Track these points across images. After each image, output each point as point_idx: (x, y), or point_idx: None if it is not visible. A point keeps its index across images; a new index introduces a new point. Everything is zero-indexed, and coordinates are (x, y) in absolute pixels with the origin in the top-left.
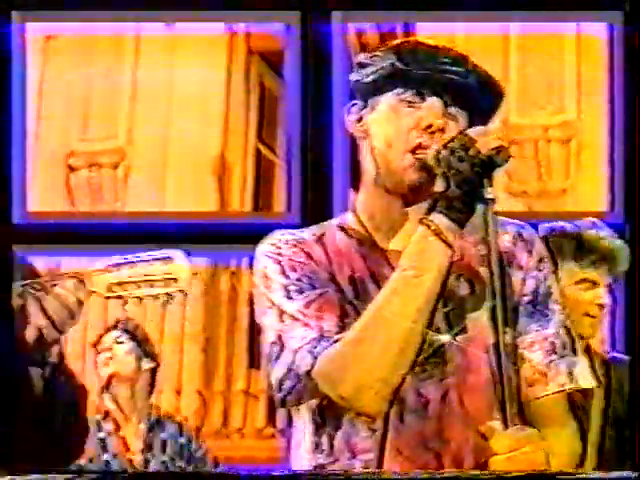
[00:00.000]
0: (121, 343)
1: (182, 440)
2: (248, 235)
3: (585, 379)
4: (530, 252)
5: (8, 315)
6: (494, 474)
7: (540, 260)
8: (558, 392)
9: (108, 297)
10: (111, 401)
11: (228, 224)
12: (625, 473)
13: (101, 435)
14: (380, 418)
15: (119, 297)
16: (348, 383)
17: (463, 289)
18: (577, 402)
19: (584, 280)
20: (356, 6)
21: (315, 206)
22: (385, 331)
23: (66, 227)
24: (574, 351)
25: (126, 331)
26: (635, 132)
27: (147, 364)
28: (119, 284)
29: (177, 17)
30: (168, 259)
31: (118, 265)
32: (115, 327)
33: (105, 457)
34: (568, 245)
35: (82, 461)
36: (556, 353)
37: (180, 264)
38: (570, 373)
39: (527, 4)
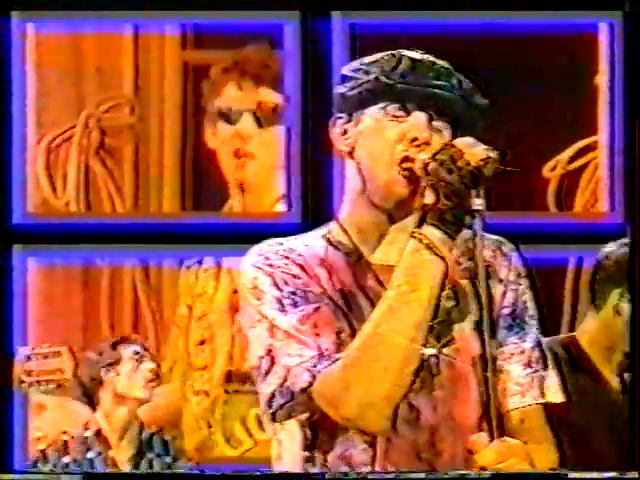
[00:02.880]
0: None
1: (168, 459)
2: (248, 235)
3: (553, 394)
4: (509, 266)
5: (7, 314)
6: (492, 474)
7: (518, 275)
8: (532, 405)
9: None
10: (104, 420)
11: (228, 224)
12: (625, 473)
13: (90, 455)
14: (383, 434)
15: (30, 384)
16: (351, 404)
17: (448, 302)
18: (555, 415)
19: None
20: (356, 6)
21: (315, 206)
22: (385, 349)
23: (66, 227)
24: (545, 366)
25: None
26: (635, 132)
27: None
28: (26, 375)
29: (175, 17)
30: (58, 353)
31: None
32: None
33: None
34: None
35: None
36: (531, 367)
37: (65, 357)
38: (541, 388)
39: (525, 4)
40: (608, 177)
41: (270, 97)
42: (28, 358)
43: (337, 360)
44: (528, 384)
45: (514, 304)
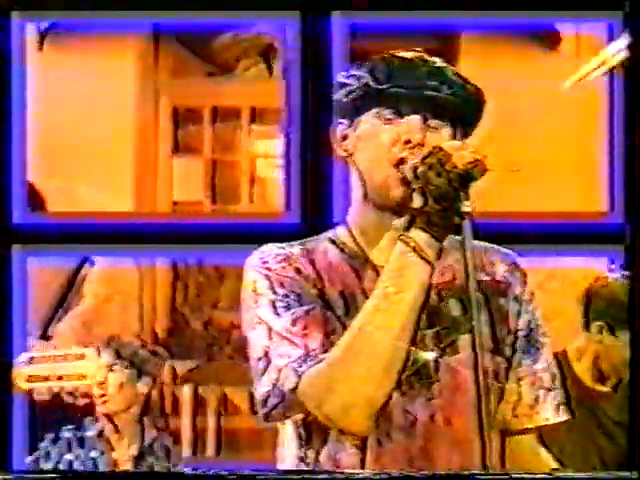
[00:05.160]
0: (113, 371)
1: (168, 464)
2: (248, 235)
3: (561, 413)
4: (525, 283)
5: (7, 314)
6: (493, 474)
7: (532, 292)
8: (542, 426)
9: (25, 389)
10: (107, 420)
11: (229, 224)
12: (625, 473)
13: (93, 454)
14: (365, 436)
15: (34, 389)
16: (333, 403)
17: (455, 310)
18: (551, 435)
19: None
20: (356, 6)
21: (315, 206)
22: (369, 349)
23: (66, 227)
24: (555, 386)
25: (119, 356)
26: (635, 132)
27: (143, 387)
28: (37, 377)
29: (176, 17)
30: (81, 355)
31: (34, 359)
32: (108, 345)
33: None
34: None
35: None
36: (544, 387)
37: (91, 362)
38: (558, 407)
39: (527, 4)
40: (608, 177)
41: None
42: (35, 361)
43: (322, 360)
44: (538, 405)
45: (529, 325)
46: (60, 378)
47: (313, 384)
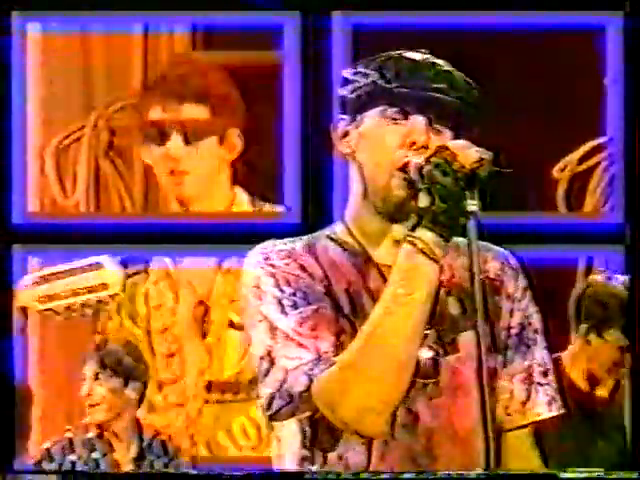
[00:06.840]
0: (98, 380)
1: (165, 460)
2: (248, 235)
3: (554, 408)
4: (517, 280)
5: (8, 314)
6: (492, 474)
7: (524, 289)
8: (535, 422)
9: (41, 310)
10: (98, 428)
11: (229, 224)
12: (627, 473)
13: (95, 456)
14: (381, 438)
15: (51, 310)
16: (348, 406)
17: (454, 309)
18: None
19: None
20: (356, 6)
21: (315, 206)
22: (382, 352)
23: (66, 227)
24: (547, 381)
25: (104, 365)
26: (635, 132)
27: (133, 391)
28: (50, 297)
29: (175, 17)
30: (97, 265)
31: (47, 278)
32: (95, 352)
33: None
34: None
35: None
36: (534, 383)
37: (109, 269)
38: (550, 401)
39: (527, 4)
40: (608, 177)
41: (194, 112)
42: (45, 279)
43: (335, 363)
44: (529, 402)
45: (521, 323)
46: (76, 293)
47: (326, 388)
